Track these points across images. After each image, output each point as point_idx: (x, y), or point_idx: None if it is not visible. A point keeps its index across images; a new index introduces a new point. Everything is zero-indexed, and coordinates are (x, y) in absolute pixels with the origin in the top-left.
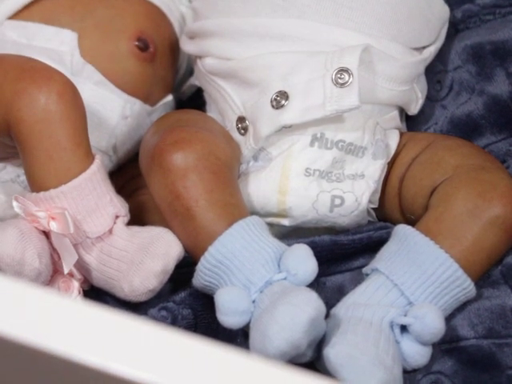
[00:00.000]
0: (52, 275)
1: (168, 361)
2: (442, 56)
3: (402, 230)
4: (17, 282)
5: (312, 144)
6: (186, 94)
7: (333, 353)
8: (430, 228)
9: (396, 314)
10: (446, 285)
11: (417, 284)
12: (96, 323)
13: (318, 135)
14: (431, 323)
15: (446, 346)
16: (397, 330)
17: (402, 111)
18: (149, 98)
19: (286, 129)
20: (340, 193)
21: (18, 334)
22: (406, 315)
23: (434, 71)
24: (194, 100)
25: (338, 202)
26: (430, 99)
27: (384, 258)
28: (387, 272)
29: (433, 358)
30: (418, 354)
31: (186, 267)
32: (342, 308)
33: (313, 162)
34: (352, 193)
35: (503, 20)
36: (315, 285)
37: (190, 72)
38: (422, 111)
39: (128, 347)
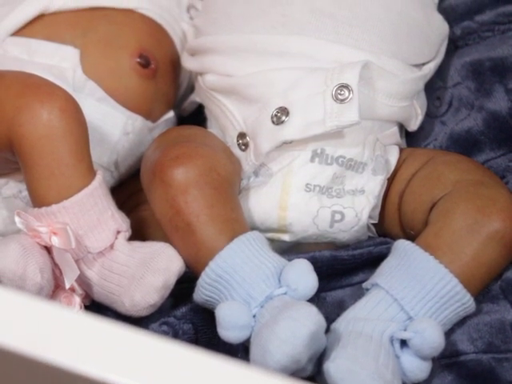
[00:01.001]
0: (53, 290)
1: (169, 373)
2: (441, 72)
3: (402, 245)
4: (19, 294)
5: (312, 160)
6: (187, 110)
7: (333, 367)
8: (429, 243)
9: (396, 329)
10: (445, 300)
11: (416, 299)
12: (97, 335)
13: (319, 151)
14: (431, 338)
15: (446, 360)
16: (397, 345)
17: (402, 127)
18: (150, 115)
19: (287, 144)
20: (340, 208)
21: (19, 345)
22: (405, 330)
23: (434, 87)
24: (195, 116)
25: (338, 217)
26: (430, 115)
27: (384, 273)
28: (387, 287)
29: (432, 373)
30: (417, 369)
31: (186, 282)
32: (342, 322)
33: (313, 178)
34: (352, 208)
35: (502, 37)
36: (315, 300)
37: (191, 89)
38: (421, 127)
39: (129, 359)
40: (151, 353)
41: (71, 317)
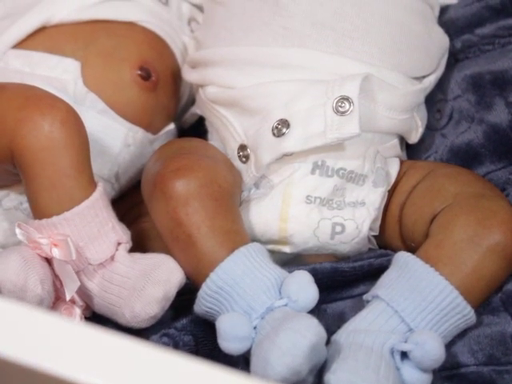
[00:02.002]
0: (54, 302)
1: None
2: (441, 85)
3: (403, 257)
4: (19, 305)
5: (313, 172)
6: (187, 122)
7: (334, 379)
8: (430, 255)
9: (396, 341)
10: (446, 312)
11: (417, 311)
12: (98, 346)
13: (319, 163)
14: (431, 350)
15: (447, 372)
16: (397, 357)
17: (403, 140)
18: (151, 127)
19: (288, 156)
20: (341, 220)
21: (20, 355)
22: (406, 342)
23: (434, 100)
24: (196, 128)
25: (338, 229)
26: (430, 128)
27: (384, 285)
28: (388, 299)
29: None
30: (418, 381)
31: (187, 294)
32: (342, 334)
33: (314, 190)
34: (353, 220)
35: (502, 50)
36: (316, 312)
37: (192, 101)
38: (422, 140)
39: (129, 370)
40: (152, 363)
41: (71, 327)
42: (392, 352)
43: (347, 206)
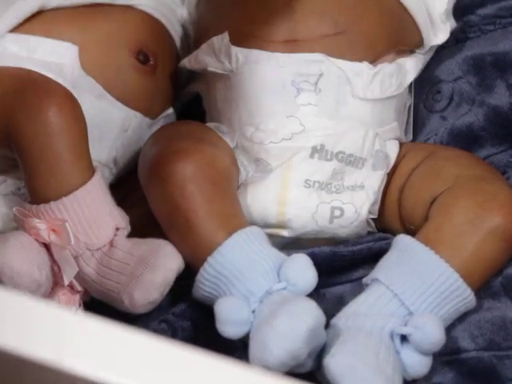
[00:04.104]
0: (52, 287)
1: (167, 373)
2: (441, 66)
3: (402, 240)
4: (13, 294)
5: (312, 156)
6: (182, 100)
7: (333, 362)
8: (429, 238)
9: (396, 324)
10: (446, 294)
11: (417, 294)
12: (95, 335)
13: (318, 147)
14: (431, 333)
15: (447, 357)
16: (397, 340)
17: (404, 123)
18: (149, 111)
19: (286, 140)
20: (339, 204)
21: (15, 345)
22: (406, 325)
23: (434, 81)
24: (194, 109)
25: (337, 213)
26: (430, 110)
27: (384, 268)
28: (387, 282)
29: (433, 370)
30: (418, 364)
31: (185, 279)
32: (342, 318)
33: (312, 174)
34: (351, 204)
35: (504, 31)
36: (315, 296)
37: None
38: (421, 122)
39: (127, 359)
40: (148, 352)
41: (67, 316)
42: (392, 335)
43: (346, 190)
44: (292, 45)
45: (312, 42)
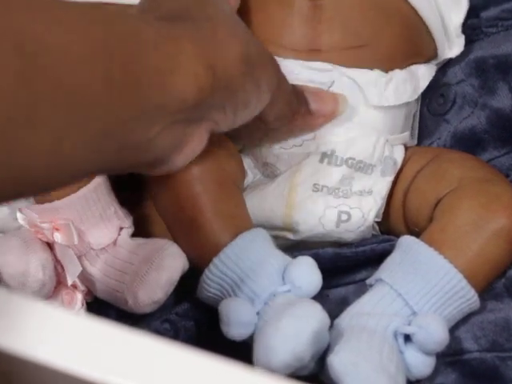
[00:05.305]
0: (55, 287)
1: (169, 374)
2: (445, 69)
3: (406, 241)
4: (17, 295)
5: (321, 160)
6: None
7: (336, 360)
8: (434, 239)
9: (400, 324)
10: (450, 295)
11: (421, 294)
12: (97, 337)
13: (329, 152)
14: (435, 333)
15: (450, 358)
16: (400, 340)
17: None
18: None
19: (297, 147)
20: (347, 208)
21: (17, 347)
22: (409, 325)
23: (438, 85)
24: None
25: (344, 217)
26: (433, 113)
27: (388, 269)
28: (391, 282)
29: (436, 371)
30: (421, 364)
31: (189, 279)
32: (345, 317)
33: (321, 178)
34: (359, 209)
35: (506, 33)
36: (318, 297)
37: None
38: (425, 126)
39: (129, 361)
40: (150, 354)
41: (70, 318)
42: (395, 335)
43: (354, 195)
44: (313, 54)
45: (333, 53)
